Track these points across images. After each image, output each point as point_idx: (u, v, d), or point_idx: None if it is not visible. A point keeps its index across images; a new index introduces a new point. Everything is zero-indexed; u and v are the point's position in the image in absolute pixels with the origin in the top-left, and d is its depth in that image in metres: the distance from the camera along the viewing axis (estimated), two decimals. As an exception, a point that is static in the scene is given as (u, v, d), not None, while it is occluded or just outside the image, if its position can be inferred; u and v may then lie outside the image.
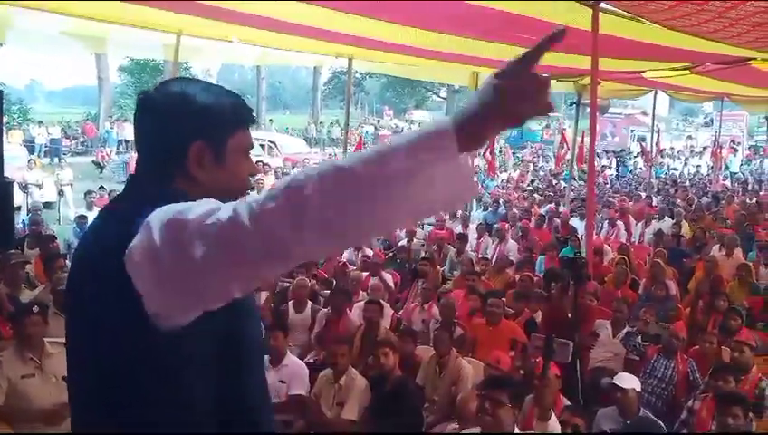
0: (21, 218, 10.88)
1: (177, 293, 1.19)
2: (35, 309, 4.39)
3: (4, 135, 9.68)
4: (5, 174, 7.71)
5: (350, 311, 6.51)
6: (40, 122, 28.27)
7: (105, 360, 1.35)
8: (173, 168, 1.41)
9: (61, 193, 14.33)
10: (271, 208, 1.04)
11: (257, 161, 17.25)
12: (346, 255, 9.58)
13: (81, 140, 28.50)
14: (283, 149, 24.33)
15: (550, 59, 8.84)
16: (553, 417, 3.95)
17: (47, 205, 13.79)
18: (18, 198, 11.47)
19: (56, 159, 23.50)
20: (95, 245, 1.39)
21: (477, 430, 3.66)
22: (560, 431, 3.92)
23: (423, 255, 8.89)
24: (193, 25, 7.67)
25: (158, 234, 1.14)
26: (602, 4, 5.75)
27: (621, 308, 6.18)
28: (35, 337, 4.28)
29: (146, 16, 7.14)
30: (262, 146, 23.66)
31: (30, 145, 24.57)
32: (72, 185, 15.39)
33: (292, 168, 18.44)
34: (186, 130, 1.40)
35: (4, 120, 9.39)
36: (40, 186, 14.19)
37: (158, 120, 1.42)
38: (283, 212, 1.04)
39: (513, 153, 27.84)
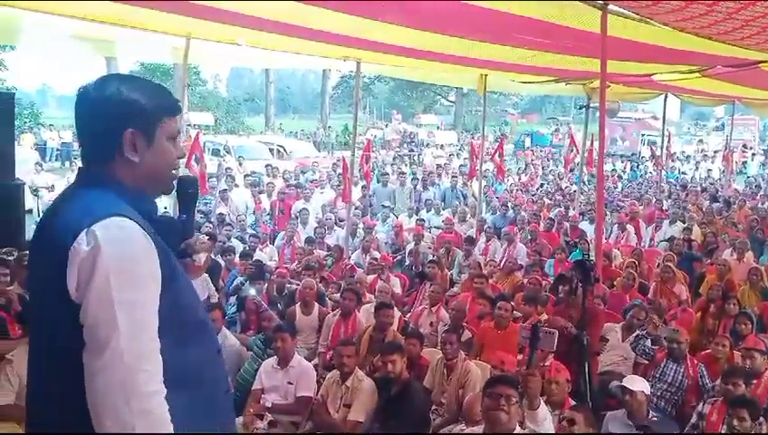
0: (33, 220, 10.95)
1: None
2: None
3: (16, 138, 9.79)
4: (17, 176, 7.79)
5: (359, 312, 6.50)
6: (51, 126, 28.46)
7: (51, 337, 1.59)
8: (112, 152, 1.68)
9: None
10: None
11: (266, 165, 17.50)
12: (354, 257, 9.58)
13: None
14: (291, 153, 24.37)
15: (559, 62, 8.84)
16: (542, 405, 3.93)
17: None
18: (30, 201, 11.54)
19: (67, 163, 23.67)
20: (48, 228, 1.64)
21: (480, 429, 3.64)
22: (549, 419, 3.91)
23: (431, 258, 8.87)
24: (202, 28, 7.69)
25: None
26: (611, 6, 5.71)
27: (639, 314, 6.10)
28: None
29: (155, 19, 7.17)
30: (271, 150, 23.72)
31: (41, 148, 24.73)
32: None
33: (302, 172, 18.50)
34: (118, 119, 1.67)
35: (16, 123, 9.48)
36: (50, 188, 14.27)
37: (96, 111, 1.69)
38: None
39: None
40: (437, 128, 44.53)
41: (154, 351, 1.55)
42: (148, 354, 1.53)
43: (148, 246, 1.59)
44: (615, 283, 7.59)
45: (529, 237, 10.37)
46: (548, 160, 26.91)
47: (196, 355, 1.74)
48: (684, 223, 11.00)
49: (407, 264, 9.53)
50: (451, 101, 52.19)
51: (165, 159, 1.76)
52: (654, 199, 14.58)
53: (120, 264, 1.52)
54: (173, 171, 1.83)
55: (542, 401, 4.02)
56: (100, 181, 1.68)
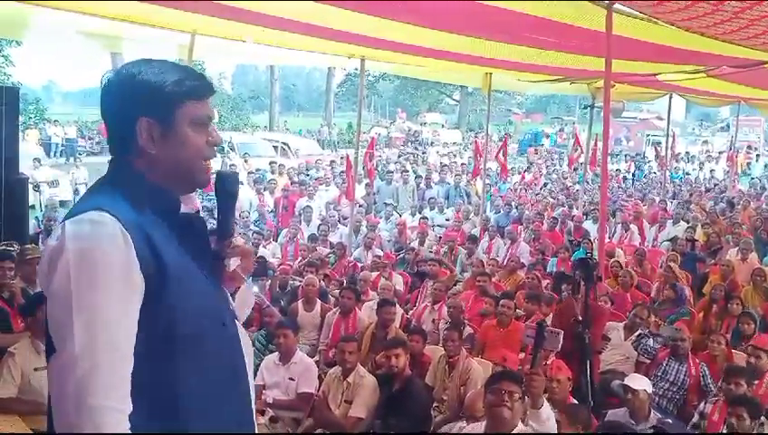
0: (35, 216, 10.98)
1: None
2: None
3: (21, 134, 9.82)
4: (21, 171, 7.81)
5: (360, 310, 6.51)
6: (56, 121, 28.54)
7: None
8: (129, 143, 1.51)
9: (76, 192, 14.55)
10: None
11: (271, 162, 17.51)
12: (356, 254, 9.59)
13: (97, 140, 28.68)
14: (298, 151, 24.42)
15: (564, 60, 8.83)
16: (546, 404, 3.93)
17: (63, 204, 13.95)
18: (32, 196, 11.56)
19: (71, 159, 23.73)
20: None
21: (482, 426, 3.63)
22: (552, 418, 3.89)
23: (431, 256, 8.87)
24: (207, 25, 7.70)
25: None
26: (616, 5, 5.70)
27: (642, 313, 6.08)
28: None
29: (161, 15, 7.19)
30: (275, 147, 23.77)
31: (46, 144, 24.81)
32: (86, 184, 15.54)
33: (306, 169, 18.53)
34: (130, 107, 1.50)
35: (21, 119, 9.52)
36: (51, 184, 14.35)
37: (110, 100, 1.53)
38: None
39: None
40: (442, 126, 44.52)
41: (116, 361, 1.35)
42: (108, 365, 1.34)
43: (124, 245, 1.39)
44: (607, 283, 7.56)
45: (532, 236, 10.36)
46: (552, 160, 26.87)
47: (192, 372, 1.50)
48: (687, 223, 10.99)
49: (407, 262, 9.53)
50: (456, 100, 52.11)
51: (189, 149, 1.55)
52: (658, 199, 14.56)
53: (81, 262, 1.35)
54: (204, 161, 1.60)
55: (545, 400, 4.01)
56: (114, 175, 1.54)
